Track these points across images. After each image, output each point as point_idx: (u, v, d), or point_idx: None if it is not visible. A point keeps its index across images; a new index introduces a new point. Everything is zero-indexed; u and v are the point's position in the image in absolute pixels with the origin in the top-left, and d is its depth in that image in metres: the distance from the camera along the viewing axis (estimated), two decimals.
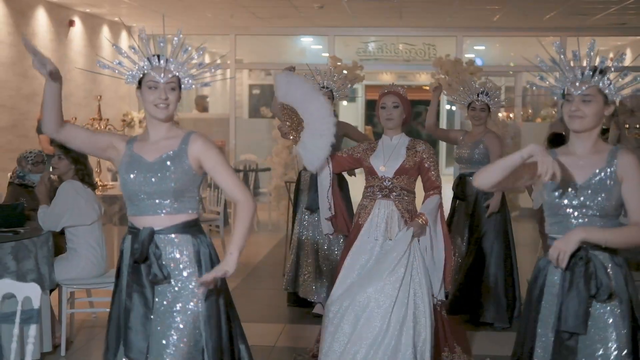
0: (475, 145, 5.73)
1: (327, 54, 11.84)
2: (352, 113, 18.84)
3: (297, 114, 4.27)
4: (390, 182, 4.24)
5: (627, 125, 7.74)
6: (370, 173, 4.31)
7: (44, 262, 4.64)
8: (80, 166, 5.02)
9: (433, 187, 4.25)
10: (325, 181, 4.35)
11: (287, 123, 4.37)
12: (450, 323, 4.52)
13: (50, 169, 5.26)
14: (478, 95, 5.76)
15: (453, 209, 5.93)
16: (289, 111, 4.32)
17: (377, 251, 4.17)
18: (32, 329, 2.91)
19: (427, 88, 10.24)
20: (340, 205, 4.45)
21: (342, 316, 4.07)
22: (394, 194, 4.24)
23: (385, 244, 4.16)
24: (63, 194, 4.85)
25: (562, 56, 2.87)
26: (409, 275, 4.07)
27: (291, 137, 4.46)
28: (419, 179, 4.30)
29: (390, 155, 4.26)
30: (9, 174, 6.26)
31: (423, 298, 4.07)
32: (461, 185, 5.84)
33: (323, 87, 5.50)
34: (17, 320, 2.87)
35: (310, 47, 14.17)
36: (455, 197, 5.93)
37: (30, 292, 2.92)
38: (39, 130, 8.16)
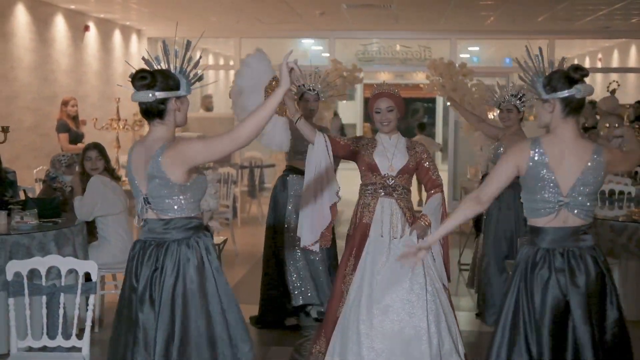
0: (505, 145, 5.69)
1: (327, 54, 12.36)
2: (351, 111, 19.41)
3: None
4: (393, 181, 4.29)
5: (608, 125, 8.22)
6: (372, 170, 4.32)
7: (80, 248, 5.22)
8: (109, 164, 5.67)
9: (435, 186, 4.34)
10: (320, 153, 4.24)
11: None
12: None
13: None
14: (505, 96, 5.74)
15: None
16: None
17: (391, 249, 4.18)
18: (92, 298, 3.50)
19: (423, 87, 10.71)
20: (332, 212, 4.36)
21: (368, 319, 4.06)
22: (397, 192, 4.30)
23: (392, 243, 4.20)
24: (93, 187, 5.41)
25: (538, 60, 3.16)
26: (427, 274, 4.13)
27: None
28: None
29: (393, 154, 4.31)
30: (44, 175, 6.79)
31: (442, 292, 4.17)
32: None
33: (310, 90, 5.52)
34: (79, 291, 3.46)
35: (312, 48, 14.65)
36: None
37: (89, 268, 3.52)
38: (59, 130, 8.62)
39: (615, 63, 13.55)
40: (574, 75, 3.08)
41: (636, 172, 7.85)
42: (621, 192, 6.62)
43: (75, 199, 5.47)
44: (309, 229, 4.34)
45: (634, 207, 6.33)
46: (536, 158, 3.11)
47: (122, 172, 9.50)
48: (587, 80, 3.14)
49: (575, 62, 3.24)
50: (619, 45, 13.59)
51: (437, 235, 3.33)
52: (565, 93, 3.09)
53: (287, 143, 5.05)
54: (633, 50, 13.16)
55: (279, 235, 5.66)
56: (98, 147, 5.66)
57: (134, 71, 3.06)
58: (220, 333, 3.07)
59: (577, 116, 3.16)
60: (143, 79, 3.01)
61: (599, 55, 14.50)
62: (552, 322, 3.09)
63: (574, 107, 3.11)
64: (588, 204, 3.16)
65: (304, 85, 5.56)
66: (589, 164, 3.13)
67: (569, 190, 3.12)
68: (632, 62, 13.15)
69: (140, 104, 3.06)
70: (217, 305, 3.09)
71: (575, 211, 3.13)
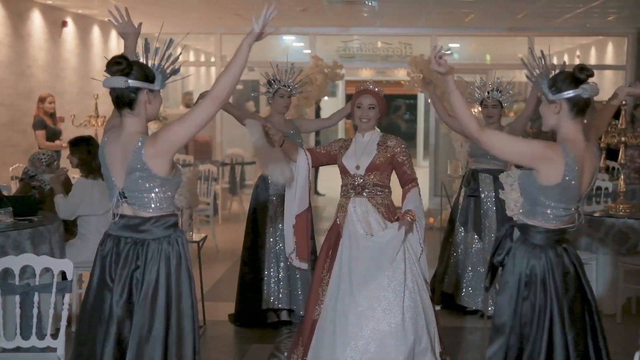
0: None
1: (308, 51, 12.35)
2: (332, 107, 19.35)
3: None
4: (362, 179, 4.29)
5: (586, 122, 8.26)
6: (344, 172, 4.37)
7: (56, 246, 5.17)
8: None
9: (410, 181, 4.31)
10: (302, 171, 4.35)
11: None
12: None
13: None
14: (489, 92, 5.75)
15: (466, 206, 5.93)
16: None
17: (364, 246, 4.17)
18: (67, 297, 3.46)
19: (405, 84, 10.73)
20: (306, 225, 4.44)
21: (344, 314, 4.07)
22: (367, 190, 4.29)
23: (370, 240, 4.17)
24: (80, 186, 5.36)
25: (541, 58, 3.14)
26: (409, 270, 4.13)
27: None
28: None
29: (361, 153, 4.32)
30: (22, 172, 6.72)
31: (424, 289, 4.18)
32: (474, 181, 5.88)
33: (284, 86, 5.55)
34: (54, 290, 3.43)
35: (293, 44, 14.63)
36: (467, 195, 5.92)
37: (65, 266, 3.48)
38: (36, 127, 8.54)
39: (592, 60, 13.65)
40: (580, 75, 3.06)
41: (613, 168, 7.92)
42: (598, 188, 6.67)
43: (57, 197, 5.40)
44: (288, 239, 4.46)
45: (610, 202, 6.38)
46: (571, 169, 3.04)
47: None
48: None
49: (554, 59, 3.20)
50: (597, 42, 13.70)
51: (450, 82, 3.15)
52: (571, 93, 3.06)
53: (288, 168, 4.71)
54: (610, 48, 13.27)
55: (259, 235, 5.64)
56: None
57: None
58: (188, 331, 3.10)
59: (583, 117, 3.13)
60: (118, 64, 3.02)
61: (577, 52, 14.60)
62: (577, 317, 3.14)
63: (580, 107, 3.08)
64: (584, 203, 3.21)
65: (279, 81, 5.57)
66: (595, 166, 3.16)
67: (583, 195, 3.16)
68: (609, 60, 13.26)
69: (112, 91, 3.06)
70: (188, 303, 3.10)
71: (578, 213, 3.18)
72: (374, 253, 4.14)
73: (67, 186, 5.83)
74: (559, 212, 3.12)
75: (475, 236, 5.88)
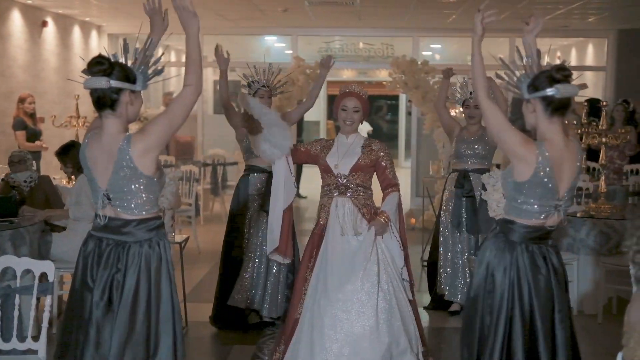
0: (479, 140, 5.82)
1: (290, 51, 12.34)
2: (314, 107, 19.31)
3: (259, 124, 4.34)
4: (345, 179, 4.32)
5: (566, 122, 8.32)
6: (326, 171, 4.37)
7: (37, 247, 5.12)
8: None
9: (391, 185, 4.35)
10: (281, 169, 4.35)
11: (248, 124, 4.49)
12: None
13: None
14: (471, 92, 5.74)
15: (458, 208, 5.91)
16: (252, 120, 4.44)
17: (341, 248, 4.20)
18: (48, 299, 3.43)
19: (386, 84, 10.76)
20: (288, 223, 4.44)
21: (320, 316, 4.08)
22: (350, 190, 4.32)
23: (345, 242, 4.20)
24: (82, 180, 5.21)
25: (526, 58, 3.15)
26: (384, 272, 4.14)
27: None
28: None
29: (345, 153, 4.35)
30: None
31: (400, 290, 4.18)
32: (466, 181, 5.88)
33: (263, 86, 5.53)
34: (35, 292, 3.39)
35: (274, 45, 14.61)
36: (459, 195, 5.90)
37: (46, 268, 3.44)
38: (15, 128, 8.45)
39: (573, 61, 13.74)
40: (556, 75, 3.07)
41: (594, 169, 7.98)
42: (579, 188, 6.71)
43: (70, 206, 5.35)
44: (270, 237, 4.46)
45: (591, 203, 6.42)
46: (543, 166, 3.07)
47: None
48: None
49: (537, 60, 3.21)
50: (577, 44, 13.81)
51: (477, 50, 3.22)
52: (544, 92, 3.07)
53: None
54: (590, 49, 13.38)
55: (239, 236, 5.62)
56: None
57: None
58: (168, 335, 3.09)
59: (563, 117, 3.15)
60: (100, 64, 3.00)
61: (558, 54, 14.70)
62: (545, 315, 3.15)
63: (555, 107, 3.08)
64: (569, 204, 3.22)
65: (258, 82, 5.56)
66: (578, 164, 3.17)
67: (563, 193, 3.16)
68: (589, 61, 13.36)
69: (93, 91, 3.03)
70: (168, 307, 3.09)
71: (562, 212, 3.19)
72: (348, 255, 4.17)
73: (51, 192, 5.78)
74: (532, 209, 3.14)
75: (471, 236, 5.89)
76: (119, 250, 3.04)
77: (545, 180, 3.08)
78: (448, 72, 6.05)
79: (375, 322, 4.02)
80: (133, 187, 3.04)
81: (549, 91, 3.06)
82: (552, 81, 3.06)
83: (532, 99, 3.12)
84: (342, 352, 4.02)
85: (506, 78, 3.22)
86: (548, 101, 3.08)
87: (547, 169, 3.07)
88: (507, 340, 3.13)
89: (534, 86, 3.11)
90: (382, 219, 4.24)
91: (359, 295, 4.06)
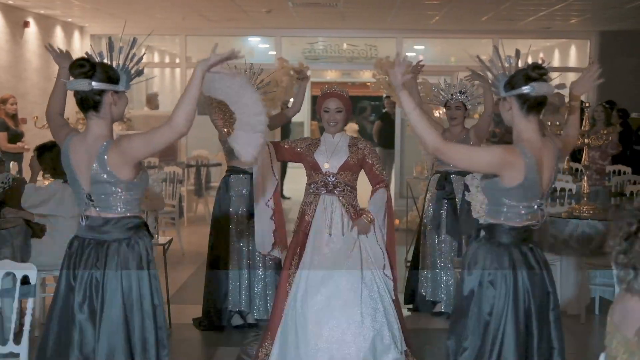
0: (460, 143, 5.78)
1: (274, 52, 12.32)
2: None
3: (228, 108, 4.15)
4: (334, 178, 4.34)
5: (550, 123, 8.36)
6: (314, 169, 4.39)
7: (19, 250, 5.09)
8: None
9: (379, 181, 4.38)
10: (264, 169, 4.37)
11: (220, 116, 4.49)
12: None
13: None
14: (452, 94, 5.80)
15: (438, 209, 5.93)
16: (219, 105, 4.33)
17: (326, 246, 4.24)
18: (30, 302, 3.40)
19: (370, 85, 10.77)
20: (281, 214, 4.53)
21: (304, 313, 4.11)
22: (338, 189, 4.34)
23: (330, 240, 4.25)
24: (54, 185, 5.17)
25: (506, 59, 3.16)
26: (367, 269, 4.17)
27: (225, 131, 4.59)
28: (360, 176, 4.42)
29: (333, 152, 4.37)
30: None
31: (384, 288, 4.20)
32: (447, 184, 5.92)
33: None
34: (17, 295, 3.36)
35: (258, 46, 14.59)
36: (440, 197, 5.92)
37: (27, 271, 3.41)
38: None
39: (556, 62, 13.83)
40: (532, 73, 3.10)
41: (577, 169, 8.03)
42: (562, 189, 6.74)
43: (28, 186, 5.24)
44: (260, 234, 4.51)
45: (574, 203, 6.46)
46: (530, 169, 3.08)
47: None
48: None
49: (517, 60, 3.24)
50: (560, 45, 13.89)
51: (407, 101, 3.10)
52: (520, 90, 3.10)
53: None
54: (573, 50, 13.46)
55: (222, 237, 5.60)
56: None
57: None
58: (148, 336, 3.09)
59: (539, 116, 3.17)
60: (81, 66, 3.00)
61: (541, 55, 14.79)
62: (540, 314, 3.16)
63: (530, 105, 3.12)
64: (545, 200, 3.25)
65: None
66: (554, 162, 3.20)
67: (544, 192, 3.19)
68: (572, 62, 13.46)
69: (76, 93, 3.04)
70: (149, 307, 3.08)
71: (541, 211, 3.21)
72: (332, 253, 4.21)
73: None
74: (521, 210, 3.17)
75: (447, 237, 5.90)
76: (98, 249, 3.06)
77: (535, 181, 3.10)
78: (415, 68, 5.69)
79: (360, 318, 4.06)
80: (112, 188, 3.05)
81: (524, 89, 3.09)
82: (528, 79, 3.09)
83: (508, 97, 3.15)
84: (329, 348, 4.05)
85: (483, 75, 3.26)
86: (524, 99, 3.11)
87: (535, 168, 3.09)
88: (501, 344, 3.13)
89: (511, 84, 3.14)
90: (365, 219, 4.27)
91: (343, 291, 4.10)
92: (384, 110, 13.10)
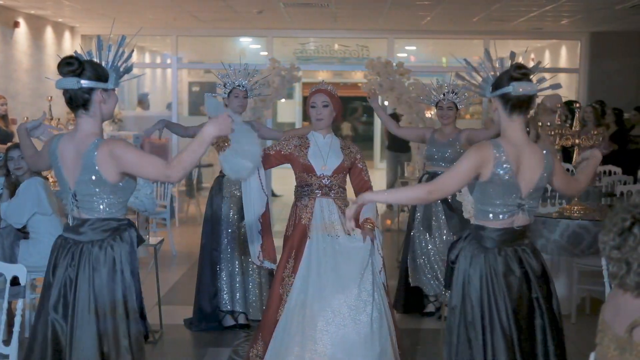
0: (449, 145, 5.81)
1: (265, 53, 12.30)
2: (289, 110, 19.36)
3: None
4: (329, 180, 4.30)
5: (540, 123, 8.38)
6: (307, 171, 4.32)
7: (8, 251, 5.06)
8: None
9: (367, 188, 4.35)
10: (253, 187, 4.37)
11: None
12: None
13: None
14: (444, 94, 5.81)
15: (429, 209, 5.88)
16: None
17: (332, 249, 4.14)
18: (20, 303, 3.38)
19: (361, 85, 10.79)
20: (268, 225, 4.50)
21: (311, 321, 4.02)
22: (333, 191, 4.31)
23: (339, 245, 4.15)
24: (27, 190, 5.20)
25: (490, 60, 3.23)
26: (375, 282, 4.09)
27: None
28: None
29: (328, 153, 4.33)
30: None
31: (385, 300, 4.16)
32: None
33: (238, 86, 5.49)
34: (6, 296, 3.34)
35: (250, 47, 14.59)
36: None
37: (17, 272, 3.40)
38: None
39: (546, 63, 13.89)
40: (514, 73, 3.12)
41: (567, 170, 8.05)
42: (554, 189, 6.75)
43: (2, 204, 5.25)
44: (252, 249, 4.51)
45: (565, 203, 6.47)
46: (501, 162, 3.11)
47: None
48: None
49: (509, 61, 3.26)
50: (550, 46, 13.93)
51: (376, 198, 3.40)
52: (502, 90, 3.14)
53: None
54: (563, 51, 13.51)
55: (214, 238, 5.59)
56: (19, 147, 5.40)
57: None
58: (122, 341, 3.06)
59: (523, 116, 3.19)
60: (70, 64, 2.98)
61: (532, 56, 14.83)
62: (521, 320, 3.15)
63: (513, 104, 3.14)
64: (536, 205, 3.26)
65: (232, 82, 5.53)
66: (543, 169, 3.20)
67: (527, 193, 3.18)
68: (562, 63, 13.50)
69: (65, 92, 3.02)
70: (122, 312, 3.06)
71: (528, 213, 3.21)
72: (343, 260, 4.10)
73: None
74: (496, 209, 3.18)
75: (443, 237, 5.91)
76: (74, 249, 3.06)
77: (507, 177, 3.12)
78: (374, 96, 5.96)
79: (370, 331, 3.98)
80: (97, 190, 3.03)
81: (506, 89, 3.12)
82: (510, 79, 3.12)
83: (493, 98, 3.20)
84: (335, 357, 3.96)
85: (468, 79, 3.30)
86: (506, 99, 3.15)
87: (505, 165, 3.11)
88: (490, 349, 3.12)
89: (495, 85, 3.19)
90: (369, 226, 4.18)
91: (356, 302, 3.99)
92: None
